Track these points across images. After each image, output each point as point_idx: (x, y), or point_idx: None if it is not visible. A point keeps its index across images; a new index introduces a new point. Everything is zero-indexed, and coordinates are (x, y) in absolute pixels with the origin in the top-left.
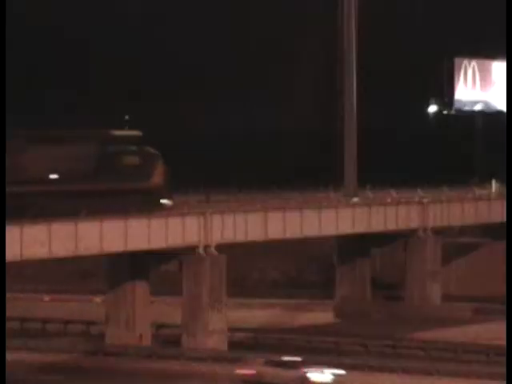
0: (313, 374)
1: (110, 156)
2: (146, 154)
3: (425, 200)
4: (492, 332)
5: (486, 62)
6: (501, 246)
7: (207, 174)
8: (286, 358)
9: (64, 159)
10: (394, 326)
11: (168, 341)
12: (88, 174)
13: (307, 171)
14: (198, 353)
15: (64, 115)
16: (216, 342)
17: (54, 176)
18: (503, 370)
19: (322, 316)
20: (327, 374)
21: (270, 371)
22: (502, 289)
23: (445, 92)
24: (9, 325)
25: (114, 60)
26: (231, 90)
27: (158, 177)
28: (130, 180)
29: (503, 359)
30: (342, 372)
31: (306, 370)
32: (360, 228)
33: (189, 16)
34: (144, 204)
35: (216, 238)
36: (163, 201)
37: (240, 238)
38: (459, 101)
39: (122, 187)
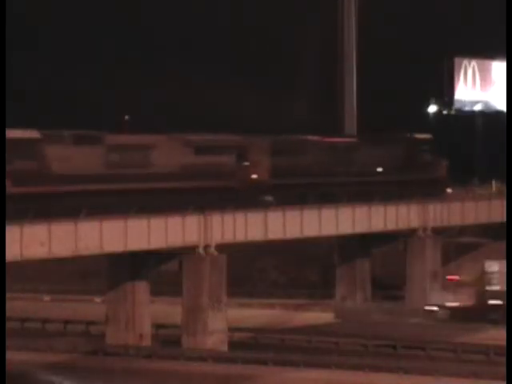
0: None
1: (414, 154)
2: (434, 152)
3: (425, 200)
4: (492, 332)
5: (486, 61)
6: (501, 246)
7: None
8: None
9: (386, 157)
10: (394, 326)
11: (168, 341)
12: (399, 169)
13: None
14: (198, 353)
15: (64, 115)
16: (216, 342)
17: (379, 169)
18: (503, 369)
19: (321, 316)
20: None
21: None
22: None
23: (445, 92)
24: (9, 325)
25: (114, 60)
26: (231, 90)
27: (442, 170)
28: (426, 172)
29: (503, 359)
30: None
31: None
32: (360, 228)
33: (188, 15)
34: (434, 191)
35: (216, 237)
36: (448, 189)
37: (240, 238)
38: (459, 101)
39: (422, 178)
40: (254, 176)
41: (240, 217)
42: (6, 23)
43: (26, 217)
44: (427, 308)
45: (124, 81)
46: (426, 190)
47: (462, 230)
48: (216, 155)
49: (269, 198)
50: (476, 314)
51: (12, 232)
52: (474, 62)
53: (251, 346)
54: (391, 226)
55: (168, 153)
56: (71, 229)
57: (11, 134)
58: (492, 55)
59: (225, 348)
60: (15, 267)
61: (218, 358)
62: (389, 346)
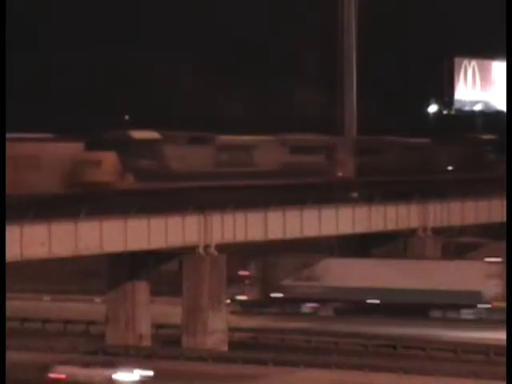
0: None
1: (480, 153)
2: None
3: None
4: (492, 332)
5: (486, 62)
6: (501, 246)
7: None
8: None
9: (455, 156)
10: (394, 325)
11: (168, 341)
12: (467, 167)
13: None
14: (198, 353)
15: (64, 116)
16: (216, 342)
17: (450, 168)
18: (503, 369)
19: (321, 316)
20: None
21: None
22: None
23: (445, 92)
24: (9, 325)
25: (114, 60)
26: (230, 89)
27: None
28: (491, 171)
29: (503, 359)
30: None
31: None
32: (360, 228)
33: (188, 15)
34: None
35: (216, 238)
36: None
37: (240, 238)
38: (459, 101)
39: (487, 176)
40: (341, 174)
41: (240, 217)
42: (6, 23)
43: (80, 213)
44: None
45: (124, 81)
46: (491, 188)
47: (462, 230)
48: (308, 154)
49: (354, 195)
50: (260, 306)
51: (12, 232)
52: (474, 62)
53: (251, 345)
54: (391, 226)
55: (268, 152)
56: (71, 229)
57: (135, 134)
58: (492, 55)
59: (225, 348)
60: (15, 267)
61: (217, 357)
62: (389, 346)
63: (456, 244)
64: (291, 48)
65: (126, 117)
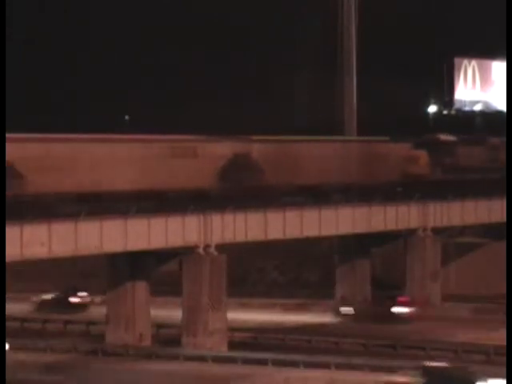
0: None
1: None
2: None
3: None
4: (492, 332)
5: (486, 62)
6: (501, 246)
7: None
8: None
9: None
10: (395, 326)
11: (168, 341)
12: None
13: None
14: (198, 353)
15: (63, 116)
16: (216, 342)
17: None
18: (503, 370)
19: (321, 316)
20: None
21: None
22: (502, 289)
23: (445, 92)
24: (9, 325)
25: (113, 60)
26: (230, 90)
27: None
28: None
29: (503, 359)
30: None
31: None
32: (360, 228)
33: (188, 15)
34: None
35: (216, 238)
36: None
37: (240, 238)
38: (459, 101)
39: None
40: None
41: (240, 217)
42: (6, 23)
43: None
44: None
45: (124, 81)
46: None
47: (462, 230)
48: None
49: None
50: None
51: (12, 232)
52: (474, 62)
53: (251, 345)
54: (391, 226)
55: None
56: (71, 229)
57: (441, 137)
58: (492, 55)
59: (225, 348)
60: (15, 267)
61: (217, 358)
62: (389, 346)
63: (456, 244)
64: (291, 48)
65: (126, 117)
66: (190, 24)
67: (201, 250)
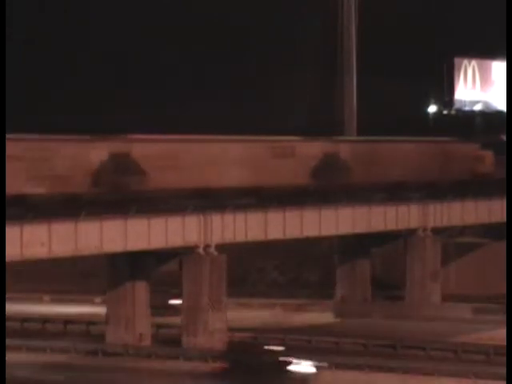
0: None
1: None
2: None
3: (425, 200)
4: (492, 332)
5: (486, 62)
6: (501, 246)
7: None
8: None
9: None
10: (394, 326)
11: (168, 341)
12: None
13: None
14: (198, 353)
15: (64, 116)
16: (216, 342)
17: None
18: (503, 370)
19: (321, 316)
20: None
21: None
22: (502, 289)
23: (445, 92)
24: (9, 325)
25: (113, 60)
26: (230, 89)
27: None
28: None
29: (503, 359)
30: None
31: None
32: (360, 228)
33: (188, 15)
34: None
35: (216, 238)
36: None
37: (240, 238)
38: (459, 101)
39: None
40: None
41: (240, 217)
42: (6, 23)
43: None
44: None
45: (124, 81)
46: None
47: (462, 230)
48: None
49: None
50: None
51: (12, 232)
52: (474, 62)
53: (251, 346)
54: (391, 226)
55: None
56: (71, 229)
57: (503, 137)
58: (492, 55)
59: (225, 348)
60: (15, 267)
61: (217, 357)
62: (389, 346)
63: (456, 244)
64: (291, 48)
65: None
66: (190, 24)
67: (201, 250)
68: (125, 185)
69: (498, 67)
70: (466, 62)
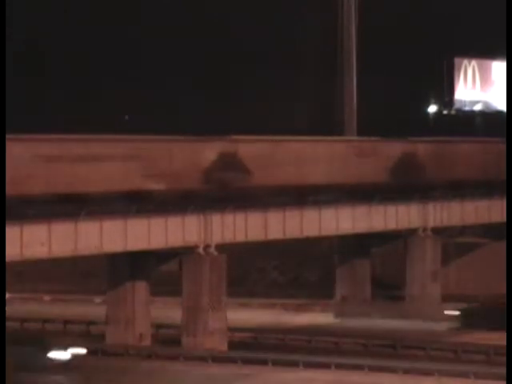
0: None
1: None
2: None
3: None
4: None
5: (486, 62)
6: (501, 246)
7: None
8: None
9: None
10: (394, 326)
11: (168, 341)
12: None
13: None
14: (198, 353)
15: (64, 116)
16: (216, 342)
17: None
18: (503, 370)
19: (321, 316)
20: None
21: None
22: (502, 289)
23: (445, 92)
24: (9, 325)
25: (113, 60)
26: (230, 90)
27: None
28: None
29: (503, 359)
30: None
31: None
32: (360, 228)
33: (187, 15)
34: None
35: (216, 237)
36: None
37: (240, 238)
38: (459, 101)
39: None
40: None
41: (240, 217)
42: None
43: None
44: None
45: (124, 81)
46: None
47: (462, 230)
48: None
49: None
50: None
51: (12, 232)
52: (474, 62)
53: (251, 345)
54: (391, 226)
55: None
56: (71, 229)
57: None
58: (492, 55)
59: (225, 348)
60: (15, 267)
61: (217, 358)
62: (389, 346)
63: (456, 244)
64: (291, 48)
65: (126, 117)
66: (189, 24)
67: (201, 250)
68: (231, 182)
69: (498, 67)
70: (465, 61)
